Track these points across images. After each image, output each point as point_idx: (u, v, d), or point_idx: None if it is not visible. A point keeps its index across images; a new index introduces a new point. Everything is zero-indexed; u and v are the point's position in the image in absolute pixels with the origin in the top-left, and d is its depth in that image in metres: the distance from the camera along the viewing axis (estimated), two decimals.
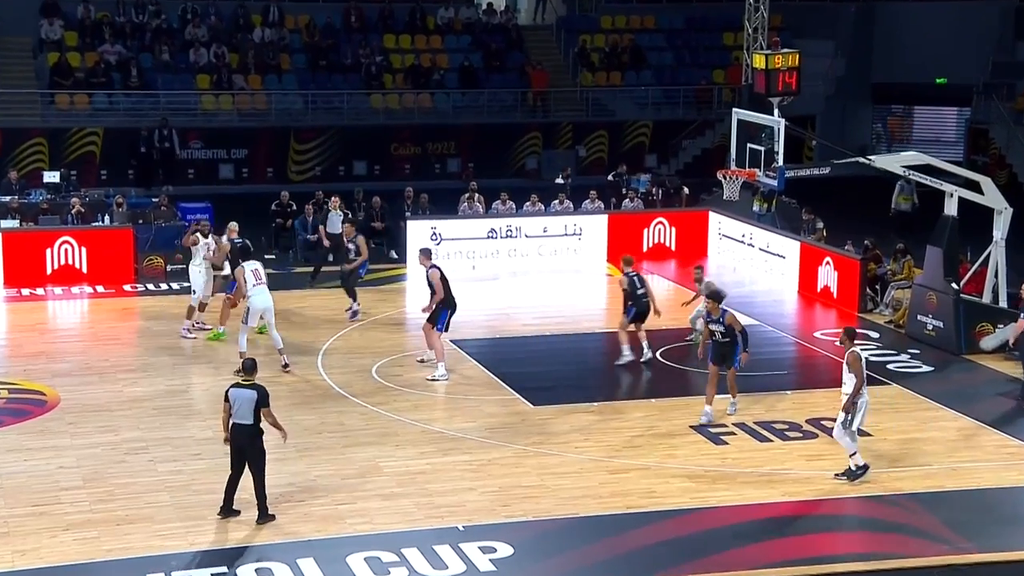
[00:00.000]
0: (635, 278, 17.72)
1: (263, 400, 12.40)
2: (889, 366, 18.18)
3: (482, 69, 34.10)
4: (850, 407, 13.51)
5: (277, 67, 32.90)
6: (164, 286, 22.09)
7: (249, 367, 12.66)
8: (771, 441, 15.13)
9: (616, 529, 12.67)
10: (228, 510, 12.62)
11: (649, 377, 17.52)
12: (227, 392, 12.54)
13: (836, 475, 13.78)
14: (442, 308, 16.90)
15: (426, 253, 17.44)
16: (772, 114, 22.08)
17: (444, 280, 16.96)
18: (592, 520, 12.86)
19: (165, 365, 17.57)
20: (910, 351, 18.86)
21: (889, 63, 36.46)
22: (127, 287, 21.98)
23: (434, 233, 23.70)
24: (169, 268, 22.60)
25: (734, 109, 22.68)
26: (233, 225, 19.56)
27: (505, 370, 17.68)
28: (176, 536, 12.28)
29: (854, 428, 13.59)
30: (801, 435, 15.35)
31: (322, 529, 12.52)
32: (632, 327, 17.63)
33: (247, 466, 12.45)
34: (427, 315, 17.01)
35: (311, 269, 22.48)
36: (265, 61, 32.84)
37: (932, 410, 16.32)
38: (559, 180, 27.25)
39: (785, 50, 23.07)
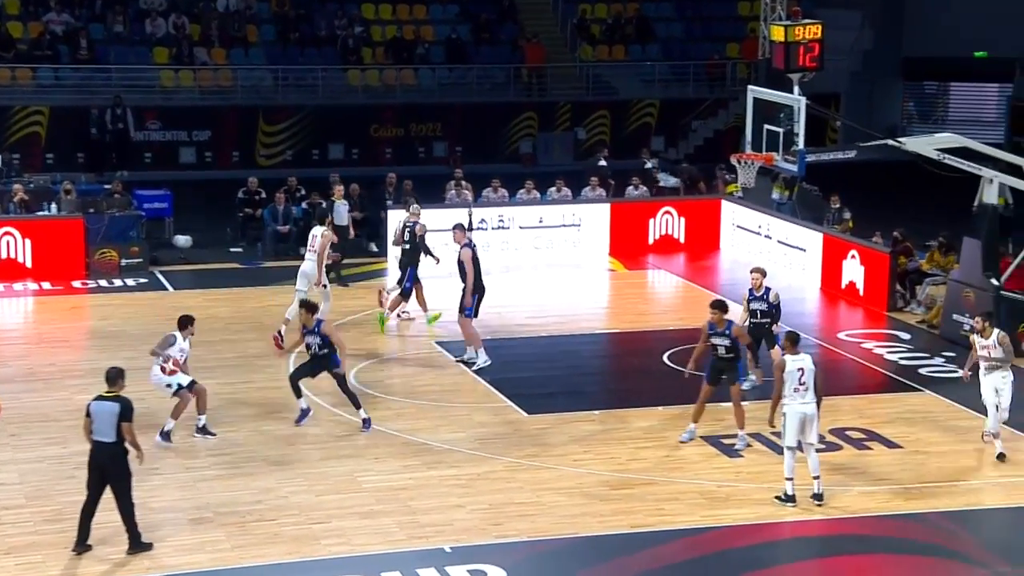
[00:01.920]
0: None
1: (126, 413, 12.22)
2: (921, 371, 18.24)
3: (471, 43, 34.11)
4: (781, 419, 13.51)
5: (243, 39, 32.88)
6: (118, 282, 22.08)
7: (113, 377, 12.48)
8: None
9: (619, 550, 12.69)
10: (83, 543, 12.32)
11: (655, 383, 17.56)
12: (88, 406, 12.39)
13: (774, 497, 13.73)
14: (472, 293, 17.52)
15: (461, 228, 18.01)
16: (792, 92, 22.10)
17: (476, 261, 17.54)
18: (592, 540, 12.88)
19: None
20: (944, 354, 18.92)
21: (922, 35, 36.51)
22: (76, 284, 21.96)
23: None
24: (123, 262, 22.59)
25: (750, 86, 22.70)
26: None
27: (497, 375, 17.69)
28: (130, 560, 12.27)
29: (789, 444, 13.52)
30: (823, 446, 15.36)
31: (294, 551, 12.52)
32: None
33: (110, 489, 12.21)
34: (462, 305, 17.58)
35: (278, 265, 22.46)
36: (230, 33, 32.82)
37: (969, 419, 16.37)
38: (648, 165, 27.20)
39: (807, 21, 23.08)
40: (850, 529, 13.34)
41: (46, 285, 21.83)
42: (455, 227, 18.16)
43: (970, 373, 15.33)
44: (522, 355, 18.62)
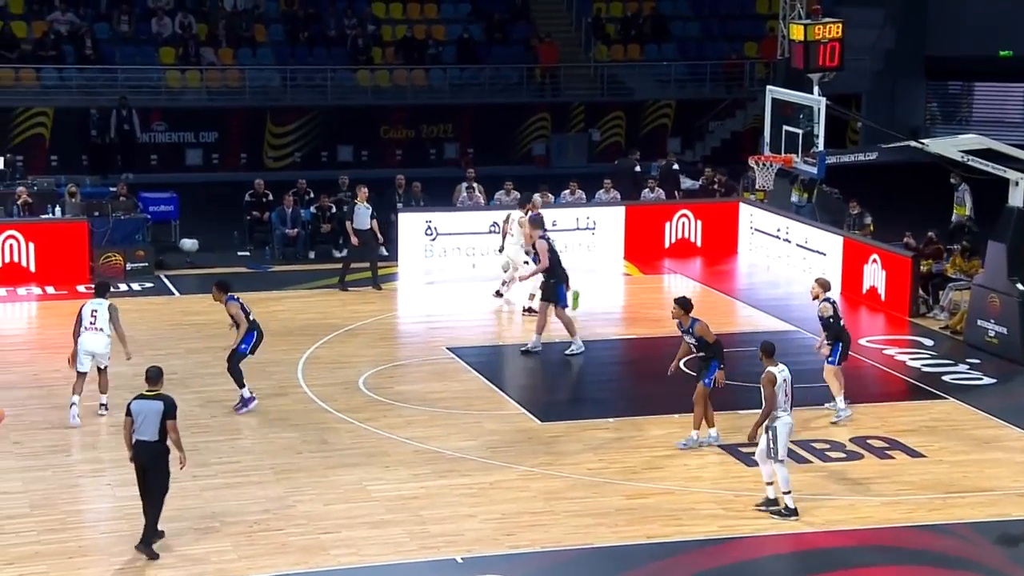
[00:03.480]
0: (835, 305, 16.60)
1: (170, 411, 12.42)
2: (945, 378, 18.18)
3: (483, 42, 34.14)
4: (768, 431, 13.41)
5: (251, 39, 32.96)
6: (123, 287, 22.13)
7: (154, 376, 12.68)
8: (810, 462, 15.12)
9: (635, 561, 12.67)
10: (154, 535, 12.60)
11: (671, 389, 17.53)
12: (129, 405, 12.57)
13: (756, 506, 13.70)
14: (556, 283, 18.45)
15: (537, 223, 18.98)
16: (812, 92, 22.10)
17: (552, 251, 18.43)
18: (607, 551, 12.87)
19: (124, 377, 17.56)
20: (969, 361, 18.86)
21: (946, 34, 36.43)
22: (81, 288, 21.98)
23: (429, 227, 23.74)
24: (129, 266, 22.65)
25: (768, 87, 22.71)
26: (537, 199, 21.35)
27: (509, 382, 17.69)
28: (135, 570, 12.31)
29: (782, 458, 13.51)
30: (844, 456, 15.36)
31: (302, 561, 12.53)
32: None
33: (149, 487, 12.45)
34: (535, 296, 18.78)
35: (286, 269, 22.51)
36: (238, 32, 32.90)
37: (994, 428, 16.33)
38: (675, 166, 27.17)
39: (827, 19, 23.07)
40: (872, 540, 13.30)
41: (50, 290, 21.89)
42: (531, 220, 19.26)
43: None
44: (535, 361, 18.61)
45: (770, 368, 13.52)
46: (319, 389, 17.28)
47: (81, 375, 16.00)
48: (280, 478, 14.40)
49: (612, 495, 14.11)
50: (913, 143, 20.62)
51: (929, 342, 19.84)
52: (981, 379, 18.16)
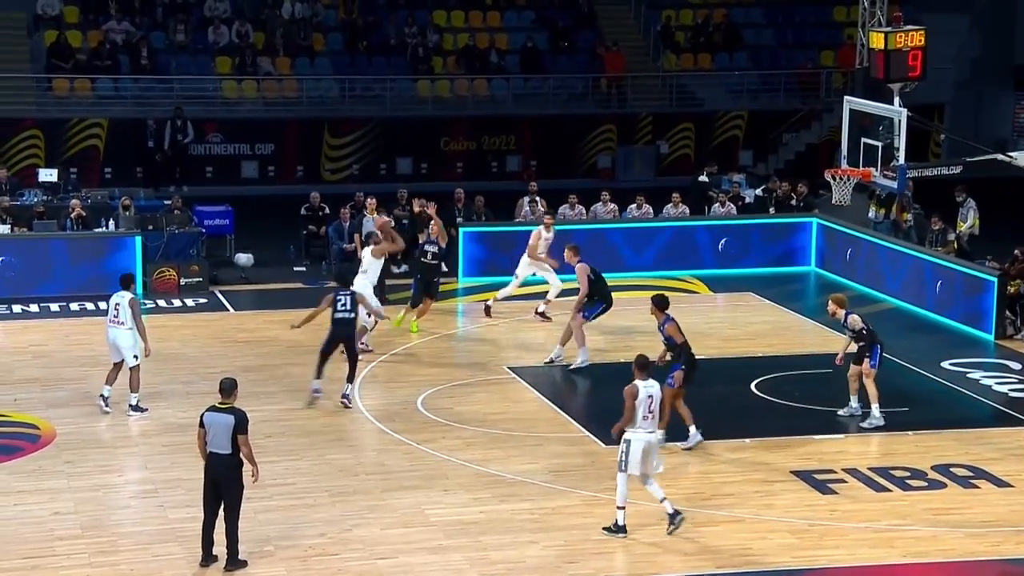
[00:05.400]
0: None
1: (241, 426, 12.57)
2: None
3: (548, 51, 34.22)
4: (624, 443, 13.58)
5: (309, 48, 33.26)
6: (177, 302, 22.37)
7: (227, 388, 12.84)
8: (889, 491, 14.97)
9: None
10: (208, 556, 12.74)
11: (744, 412, 17.41)
12: (202, 417, 12.77)
13: (603, 528, 13.77)
14: (598, 301, 19.01)
15: (574, 250, 19.37)
16: (892, 103, 21.91)
17: (591, 277, 18.85)
18: None
19: (178, 394, 17.78)
20: None
21: None
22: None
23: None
24: (183, 281, 22.88)
25: (846, 97, 22.58)
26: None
27: (572, 403, 17.65)
28: None
29: (630, 472, 13.56)
30: (926, 484, 15.17)
31: None
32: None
33: (222, 502, 12.61)
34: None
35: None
36: (295, 41, 33.21)
37: None
38: (702, 178, 27.23)
39: (908, 27, 22.88)
40: (956, 574, 13.11)
41: (103, 305, 22.13)
42: (568, 248, 19.51)
43: None
44: (601, 381, 18.56)
45: (636, 381, 13.71)
46: (376, 409, 17.34)
47: (116, 365, 16.73)
48: (336, 501, 14.46)
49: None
50: (1000, 156, 20.39)
51: (1017, 365, 19.54)
52: None
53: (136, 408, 16.82)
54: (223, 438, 12.57)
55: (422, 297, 20.47)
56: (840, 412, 17.07)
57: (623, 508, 13.64)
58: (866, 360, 16.66)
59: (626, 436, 13.62)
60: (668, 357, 16.16)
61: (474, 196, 25.00)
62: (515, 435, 16.51)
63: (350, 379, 17.32)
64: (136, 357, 16.73)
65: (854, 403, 16.99)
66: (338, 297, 17.22)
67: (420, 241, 21.07)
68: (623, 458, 13.61)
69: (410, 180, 30.51)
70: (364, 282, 18.97)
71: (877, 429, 16.63)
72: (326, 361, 17.35)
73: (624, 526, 13.64)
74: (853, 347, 16.91)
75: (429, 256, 20.62)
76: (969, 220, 23.40)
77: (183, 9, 33.21)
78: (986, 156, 21.13)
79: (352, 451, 15.95)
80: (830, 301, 17.14)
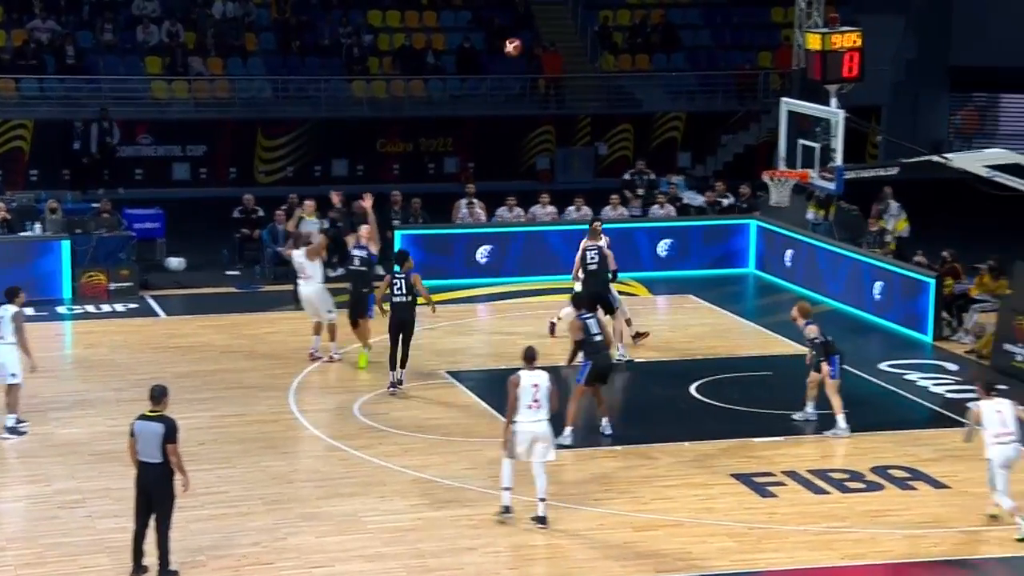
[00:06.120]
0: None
1: (170, 434, 12.49)
2: (970, 404, 18.09)
3: (485, 51, 34.25)
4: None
5: (241, 48, 33.06)
6: (106, 307, 22.15)
7: (157, 395, 12.74)
8: (828, 493, 15.12)
9: None
10: (139, 567, 12.65)
11: (683, 415, 17.51)
12: (132, 425, 12.66)
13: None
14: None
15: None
16: (829, 104, 22.13)
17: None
18: None
19: (107, 402, 17.60)
20: (996, 387, 18.73)
21: (971, 43, 36.49)
22: (61, 309, 22.02)
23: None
24: (113, 286, 22.66)
25: (783, 99, 22.74)
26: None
27: None
28: None
29: (512, 457, 13.95)
30: (864, 486, 15.34)
31: None
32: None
33: (153, 512, 12.52)
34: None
35: (277, 289, 22.48)
36: (227, 41, 33.00)
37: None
38: (627, 176, 27.43)
39: (845, 28, 23.10)
40: None
41: (29, 311, 21.84)
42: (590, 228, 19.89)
43: None
44: None
45: (521, 371, 14.02)
46: (312, 415, 17.27)
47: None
48: (270, 509, 14.37)
49: (619, 527, 14.09)
50: (936, 158, 20.66)
51: (953, 367, 19.80)
52: None
53: (13, 431, 15.98)
54: (153, 447, 12.46)
55: (355, 318, 19.01)
56: (795, 416, 17.12)
57: (509, 489, 13.98)
58: (824, 367, 16.62)
59: (513, 426, 13.91)
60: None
61: (411, 198, 24.96)
62: (453, 440, 16.50)
63: (402, 364, 17.84)
64: (14, 375, 15.92)
65: (810, 408, 17.03)
66: (394, 281, 17.70)
67: (349, 246, 19.65)
68: (509, 445, 13.96)
69: (345, 182, 30.35)
70: (317, 288, 19.14)
71: (835, 436, 16.60)
72: (396, 348, 17.83)
73: (508, 507, 13.98)
74: (811, 356, 16.89)
75: (357, 262, 19.05)
76: (891, 224, 23.66)
77: (110, 8, 32.88)
78: (922, 157, 21.38)
79: (287, 458, 15.86)
80: (795, 307, 17.19)
